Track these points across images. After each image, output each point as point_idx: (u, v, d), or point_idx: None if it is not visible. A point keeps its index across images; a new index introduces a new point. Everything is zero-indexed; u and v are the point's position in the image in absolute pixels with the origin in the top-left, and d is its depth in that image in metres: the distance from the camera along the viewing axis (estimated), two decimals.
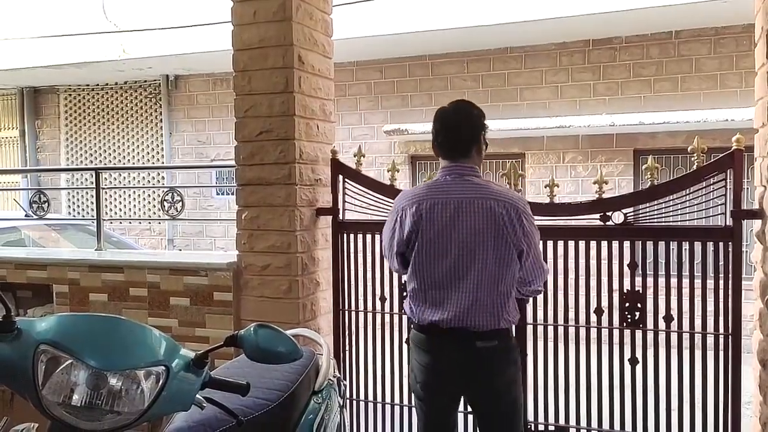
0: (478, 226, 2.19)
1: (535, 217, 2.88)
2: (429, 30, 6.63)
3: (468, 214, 2.20)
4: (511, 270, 2.23)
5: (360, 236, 3.24)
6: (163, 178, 8.89)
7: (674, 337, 2.75)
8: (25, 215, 4.97)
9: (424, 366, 2.33)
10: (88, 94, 9.46)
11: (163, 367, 1.35)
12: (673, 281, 2.77)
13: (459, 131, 2.28)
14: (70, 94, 9.55)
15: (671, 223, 2.77)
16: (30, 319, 1.38)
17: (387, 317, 3.27)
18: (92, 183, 3.91)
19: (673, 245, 2.78)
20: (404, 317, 3.08)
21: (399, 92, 7.82)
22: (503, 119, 7.07)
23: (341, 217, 3.23)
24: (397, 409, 3.26)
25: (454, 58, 7.52)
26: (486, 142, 2.36)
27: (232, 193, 8.38)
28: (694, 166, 2.68)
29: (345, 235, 3.23)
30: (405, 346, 3.13)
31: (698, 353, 2.70)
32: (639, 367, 2.78)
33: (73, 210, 9.55)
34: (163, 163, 8.93)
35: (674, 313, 2.73)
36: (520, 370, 2.45)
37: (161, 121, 9.00)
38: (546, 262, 2.45)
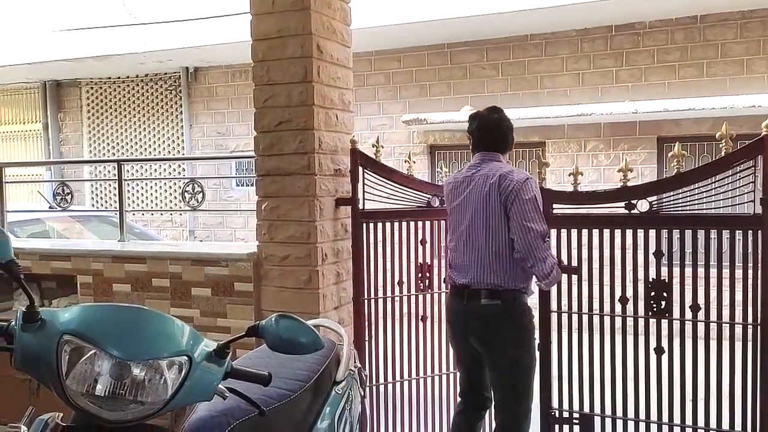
0: (477, 197, 2.64)
1: (559, 206, 2.88)
2: (448, 18, 6.57)
3: (473, 188, 2.67)
4: (504, 236, 2.58)
5: (380, 225, 3.24)
6: (183, 169, 8.96)
7: (701, 327, 2.70)
8: (49, 207, 5.03)
9: (447, 320, 2.86)
10: (109, 87, 9.54)
11: (186, 357, 1.35)
12: (701, 270, 2.72)
13: (492, 131, 2.76)
14: (91, 87, 9.64)
15: (698, 211, 2.71)
16: (53, 310, 1.39)
17: (411, 300, 3.27)
18: (114, 175, 3.94)
19: (700, 233, 2.72)
20: (427, 305, 3.29)
21: (417, 82, 7.77)
22: (523, 107, 6.99)
23: (361, 207, 3.22)
24: (415, 383, 3.30)
25: (473, 47, 7.44)
26: (513, 138, 2.80)
27: (252, 184, 8.43)
28: (722, 153, 2.62)
29: (365, 225, 3.22)
30: (425, 333, 3.34)
31: (725, 344, 2.65)
32: (665, 357, 2.74)
33: (96, 202, 9.66)
34: (183, 154, 8.99)
35: (701, 302, 2.68)
36: (530, 337, 2.66)
37: (181, 113, 9.06)
38: (544, 241, 2.54)
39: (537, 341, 2.77)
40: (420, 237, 3.31)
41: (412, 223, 3.31)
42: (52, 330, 1.32)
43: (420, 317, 3.31)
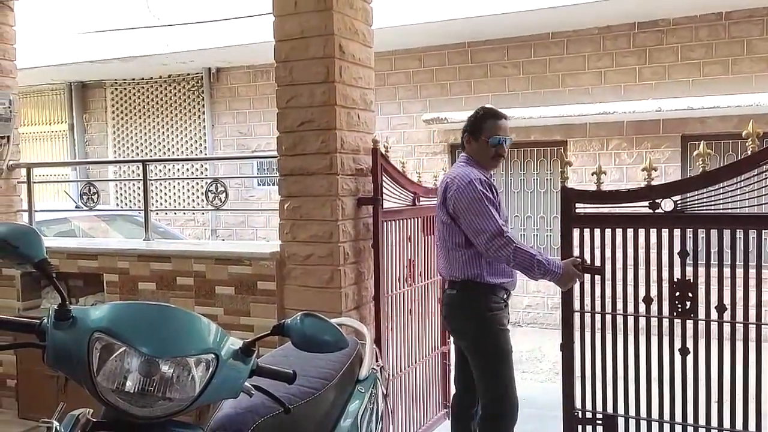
0: (438, 200, 2.97)
1: (582, 205, 2.87)
2: (468, 17, 6.54)
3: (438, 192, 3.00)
4: (454, 231, 2.82)
5: (400, 223, 3.30)
6: (206, 169, 9.04)
7: (727, 327, 2.67)
8: (76, 206, 5.12)
9: None
10: (133, 87, 9.67)
11: (213, 355, 1.37)
12: (726, 270, 2.68)
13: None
14: (116, 88, 9.77)
15: (723, 211, 2.68)
16: (84, 308, 1.41)
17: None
18: (138, 175, 4.00)
19: (726, 233, 2.69)
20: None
21: (438, 81, 7.75)
22: (545, 106, 6.95)
23: (381, 206, 3.24)
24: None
25: (494, 45, 7.41)
26: (473, 139, 2.94)
27: (273, 184, 8.46)
28: (749, 151, 2.59)
29: (386, 224, 3.24)
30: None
31: (752, 345, 2.61)
32: (690, 358, 2.71)
33: (121, 201, 9.79)
34: (205, 154, 9.08)
35: (727, 303, 2.65)
36: (488, 326, 2.77)
37: (204, 113, 9.14)
38: (503, 235, 2.67)
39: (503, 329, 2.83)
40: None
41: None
42: (83, 327, 1.35)
43: (408, 310, 3.47)
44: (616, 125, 6.90)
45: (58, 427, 1.37)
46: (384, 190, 3.24)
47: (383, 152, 3.25)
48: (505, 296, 2.87)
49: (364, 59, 3.22)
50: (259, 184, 8.94)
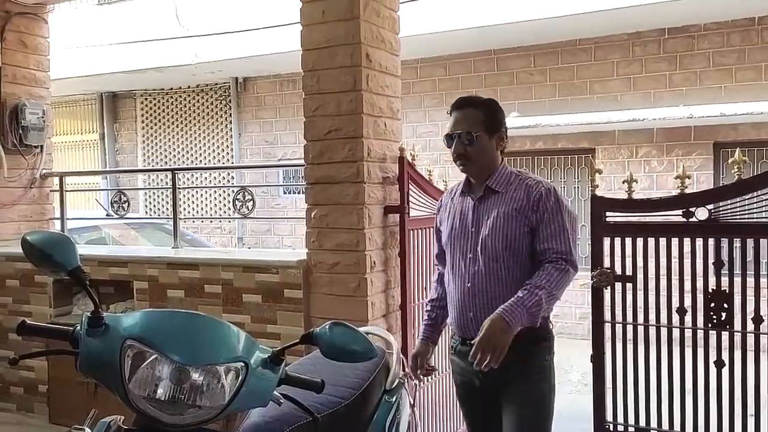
0: None
1: (612, 214, 2.83)
2: (494, 24, 6.52)
3: None
4: None
5: (426, 231, 3.27)
6: (232, 177, 9.13)
7: (764, 339, 2.60)
8: (107, 215, 5.19)
9: None
10: (162, 97, 9.82)
11: (242, 364, 1.37)
12: (763, 281, 2.62)
13: None
14: (146, 98, 9.94)
15: (759, 219, 2.62)
16: (116, 315, 1.42)
17: None
18: (166, 183, 4.04)
19: (763, 242, 2.62)
20: None
21: (464, 88, 7.72)
22: (572, 113, 6.88)
23: (408, 215, 3.23)
24: None
25: (520, 52, 7.37)
26: None
27: (299, 192, 8.49)
28: None
29: (412, 232, 3.23)
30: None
31: None
32: (725, 370, 2.65)
33: (150, 209, 9.93)
34: (232, 163, 9.17)
35: (764, 314, 2.58)
36: None
37: (231, 122, 9.25)
38: None
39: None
40: None
41: None
42: (115, 335, 1.35)
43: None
44: (645, 132, 6.80)
45: None
46: (410, 199, 3.24)
47: (410, 160, 3.25)
48: (454, 341, 2.29)
49: (391, 68, 3.22)
50: (285, 193, 9.00)
